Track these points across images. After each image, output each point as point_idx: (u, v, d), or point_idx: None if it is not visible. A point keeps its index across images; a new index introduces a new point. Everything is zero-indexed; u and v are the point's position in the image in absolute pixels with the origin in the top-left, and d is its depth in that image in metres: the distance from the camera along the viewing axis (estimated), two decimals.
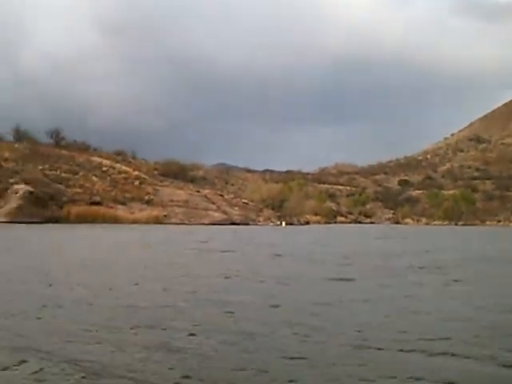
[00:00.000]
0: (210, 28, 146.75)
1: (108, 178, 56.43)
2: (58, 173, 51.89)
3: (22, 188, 43.76)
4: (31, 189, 43.87)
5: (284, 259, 15.05)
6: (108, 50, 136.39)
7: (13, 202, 42.34)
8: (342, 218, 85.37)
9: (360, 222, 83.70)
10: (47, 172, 50.96)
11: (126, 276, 10.39)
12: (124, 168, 62.10)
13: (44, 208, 43.87)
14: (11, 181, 45.40)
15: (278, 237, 31.83)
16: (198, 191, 59.33)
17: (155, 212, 50.30)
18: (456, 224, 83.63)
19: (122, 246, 19.88)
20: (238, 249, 18.78)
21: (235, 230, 39.92)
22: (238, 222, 52.97)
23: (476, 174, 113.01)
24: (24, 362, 4.29)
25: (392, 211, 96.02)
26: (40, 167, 51.26)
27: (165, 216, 50.50)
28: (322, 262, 14.17)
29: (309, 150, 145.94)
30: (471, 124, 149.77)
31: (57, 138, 64.15)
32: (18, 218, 40.35)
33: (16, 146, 56.76)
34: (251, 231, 39.16)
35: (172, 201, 54.10)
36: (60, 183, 49.70)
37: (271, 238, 28.64)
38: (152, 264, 12.87)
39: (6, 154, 51.59)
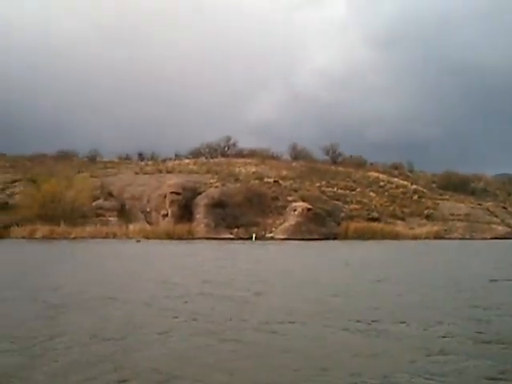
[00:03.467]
0: (482, 30, 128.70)
1: (386, 193, 53.26)
2: (335, 189, 50.57)
3: (300, 205, 43.20)
4: (309, 206, 42.89)
5: None
6: (381, 63, 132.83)
7: (291, 220, 41.91)
8: None
9: None
10: (324, 189, 49.95)
11: None
12: (401, 182, 58.79)
13: (322, 225, 42.33)
14: (289, 198, 45.27)
15: None
16: (480, 204, 54.73)
17: (435, 227, 46.63)
18: None
19: None
20: None
21: None
22: None
23: None
24: None
25: None
26: (317, 184, 50.59)
27: (445, 231, 46.77)
28: None
29: None
30: None
31: (333, 154, 63.65)
32: (296, 234, 39.55)
33: (293, 164, 58.02)
34: None
35: (452, 214, 50.33)
36: (337, 200, 48.14)
37: None
38: None
39: (284, 173, 52.34)
